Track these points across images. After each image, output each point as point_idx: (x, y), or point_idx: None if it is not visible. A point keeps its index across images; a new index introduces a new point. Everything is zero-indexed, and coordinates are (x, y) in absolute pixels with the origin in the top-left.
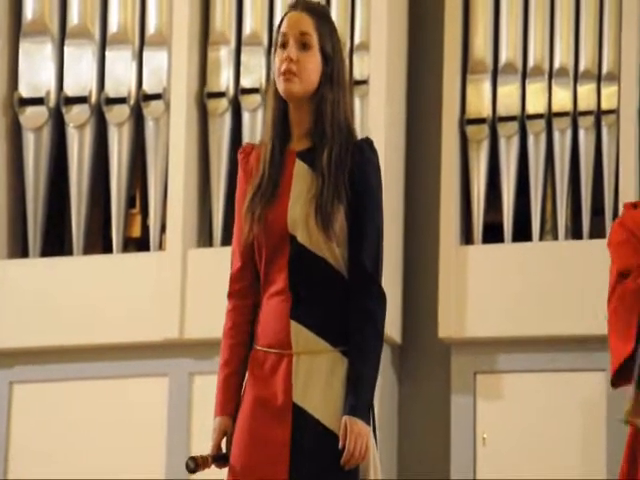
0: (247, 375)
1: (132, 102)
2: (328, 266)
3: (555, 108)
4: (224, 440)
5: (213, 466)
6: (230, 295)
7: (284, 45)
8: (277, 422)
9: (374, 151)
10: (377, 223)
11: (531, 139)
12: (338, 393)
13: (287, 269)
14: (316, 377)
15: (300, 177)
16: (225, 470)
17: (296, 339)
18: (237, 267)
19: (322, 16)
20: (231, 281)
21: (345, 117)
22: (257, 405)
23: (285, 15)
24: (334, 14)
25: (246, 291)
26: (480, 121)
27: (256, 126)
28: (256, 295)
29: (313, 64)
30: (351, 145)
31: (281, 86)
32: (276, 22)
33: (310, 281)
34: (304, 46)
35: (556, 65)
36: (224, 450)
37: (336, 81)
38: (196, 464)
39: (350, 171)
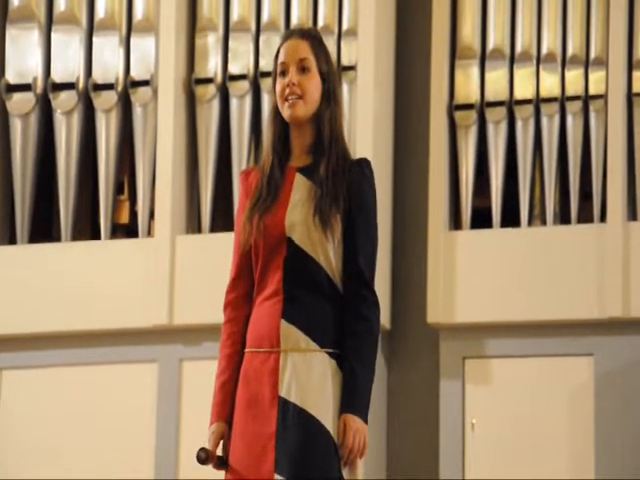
0: (239, 379)
1: (120, 88)
2: (322, 271)
3: (543, 93)
4: (220, 446)
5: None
6: (226, 306)
7: (284, 73)
8: (265, 417)
9: (371, 170)
10: (373, 236)
11: (519, 124)
12: (324, 389)
13: (282, 269)
14: (303, 374)
15: (299, 187)
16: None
17: (285, 338)
18: (232, 277)
19: (316, 39)
20: (227, 292)
21: (340, 132)
22: (247, 406)
23: (282, 45)
24: None
25: (240, 301)
26: (468, 107)
27: (244, 112)
28: (250, 305)
29: (314, 85)
30: (348, 161)
31: (286, 112)
32: (264, 8)
33: (303, 282)
34: (303, 70)
35: (544, 50)
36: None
37: (333, 98)
38: (207, 455)
39: (348, 185)
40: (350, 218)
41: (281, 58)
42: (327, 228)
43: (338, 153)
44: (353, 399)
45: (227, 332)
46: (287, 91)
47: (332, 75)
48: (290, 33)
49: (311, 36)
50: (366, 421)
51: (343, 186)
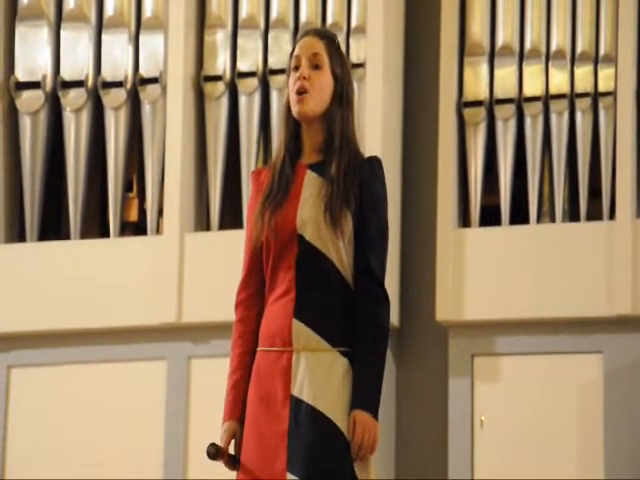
0: (251, 377)
1: (129, 86)
2: (334, 268)
3: (552, 90)
4: (232, 445)
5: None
6: (237, 305)
7: (297, 68)
8: (277, 416)
9: (381, 168)
10: (384, 234)
11: (528, 121)
12: (336, 387)
13: (294, 267)
14: (315, 373)
15: (310, 184)
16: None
17: (297, 337)
18: (243, 276)
19: (331, 39)
20: (238, 291)
21: (352, 133)
22: (259, 404)
23: (297, 41)
24: None
25: (252, 300)
26: (477, 104)
27: (253, 110)
28: (261, 303)
29: (324, 82)
30: (359, 160)
31: (295, 108)
32: (273, 5)
33: (315, 280)
34: (316, 66)
35: (553, 47)
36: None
37: (345, 100)
38: (217, 451)
39: (359, 184)
40: (361, 216)
41: (295, 52)
42: (337, 227)
43: (350, 153)
44: (363, 395)
45: (238, 331)
46: (297, 84)
47: (346, 79)
48: (307, 31)
49: (328, 37)
50: (376, 417)
51: (354, 185)
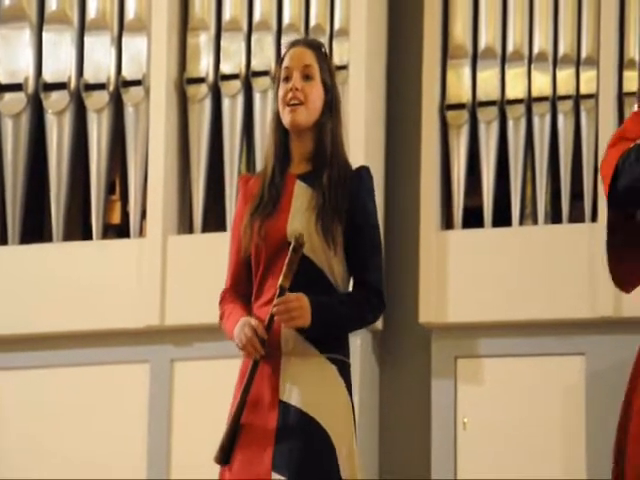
0: (237, 382)
1: (111, 88)
2: (323, 276)
3: (534, 93)
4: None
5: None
6: (223, 295)
7: (287, 79)
8: (265, 419)
9: (371, 178)
10: (377, 243)
11: (511, 124)
12: (324, 392)
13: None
14: (303, 378)
15: (300, 194)
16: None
17: (285, 342)
18: (229, 285)
19: (321, 50)
20: (222, 291)
21: (341, 142)
22: (247, 408)
23: (287, 51)
24: None
25: (238, 297)
26: (460, 106)
27: (236, 112)
28: (247, 305)
29: (316, 93)
30: (349, 171)
31: (287, 118)
32: (256, 8)
33: (305, 287)
34: (307, 77)
35: (535, 50)
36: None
37: (334, 109)
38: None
39: (349, 196)
40: (353, 227)
41: (285, 63)
42: (329, 237)
43: (339, 163)
44: (321, 303)
45: (224, 304)
46: (289, 96)
47: (335, 88)
48: (296, 41)
49: (317, 47)
50: (312, 325)
51: (344, 196)
